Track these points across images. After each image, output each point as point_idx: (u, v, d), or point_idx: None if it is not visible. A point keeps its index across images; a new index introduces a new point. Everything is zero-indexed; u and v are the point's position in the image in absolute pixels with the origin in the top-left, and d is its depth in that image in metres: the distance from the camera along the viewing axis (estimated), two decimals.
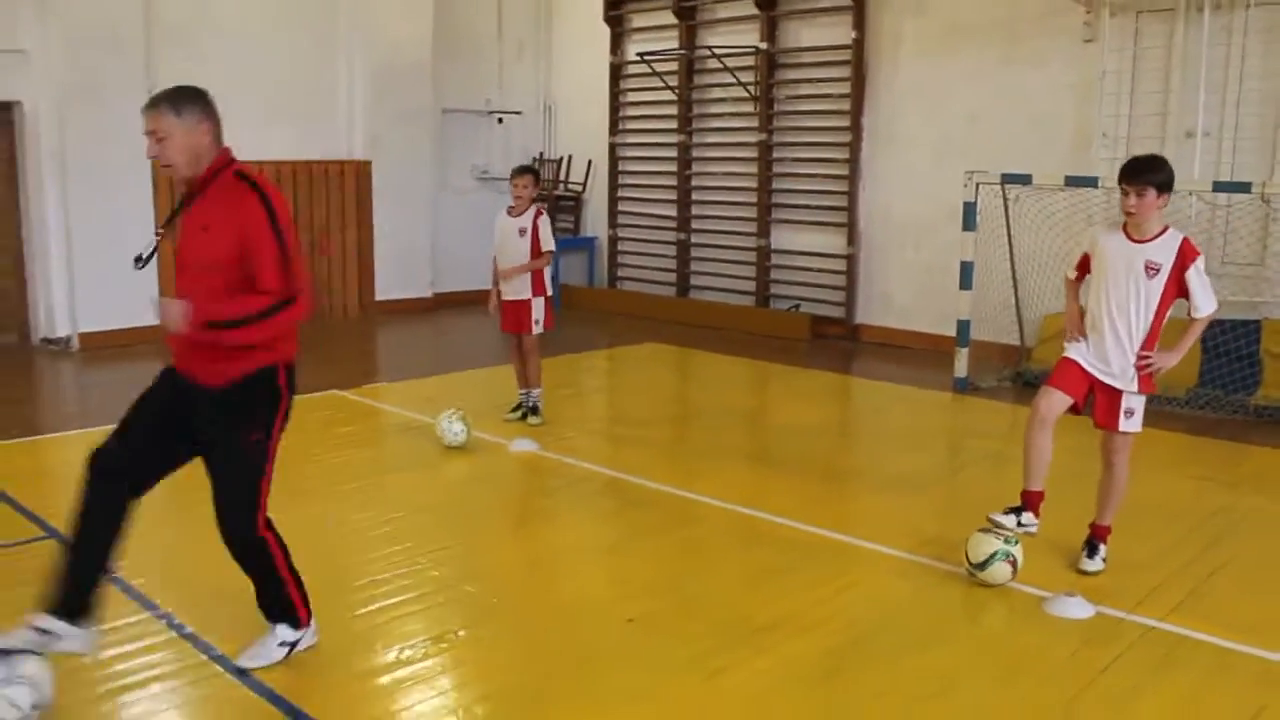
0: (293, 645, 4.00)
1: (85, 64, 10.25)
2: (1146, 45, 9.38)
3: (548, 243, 7.45)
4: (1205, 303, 4.84)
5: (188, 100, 3.68)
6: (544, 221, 7.47)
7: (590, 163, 14.13)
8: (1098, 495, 5.11)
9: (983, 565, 4.79)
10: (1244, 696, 3.91)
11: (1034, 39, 9.98)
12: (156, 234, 4.07)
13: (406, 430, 7.63)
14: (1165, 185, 4.74)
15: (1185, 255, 4.78)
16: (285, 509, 4.18)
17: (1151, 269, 4.77)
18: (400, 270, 13.00)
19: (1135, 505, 5.44)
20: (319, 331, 11.72)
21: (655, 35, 13.08)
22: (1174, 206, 8.74)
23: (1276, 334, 8.60)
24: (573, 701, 3.84)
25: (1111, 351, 4.91)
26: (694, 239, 13.10)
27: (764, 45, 11.97)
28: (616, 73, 13.63)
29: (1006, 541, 4.80)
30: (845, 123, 11.42)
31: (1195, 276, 4.79)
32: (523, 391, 7.76)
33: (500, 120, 14.22)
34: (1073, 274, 5.20)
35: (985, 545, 4.79)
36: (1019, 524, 4.98)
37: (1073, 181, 8.66)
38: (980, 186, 9.04)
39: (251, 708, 3.75)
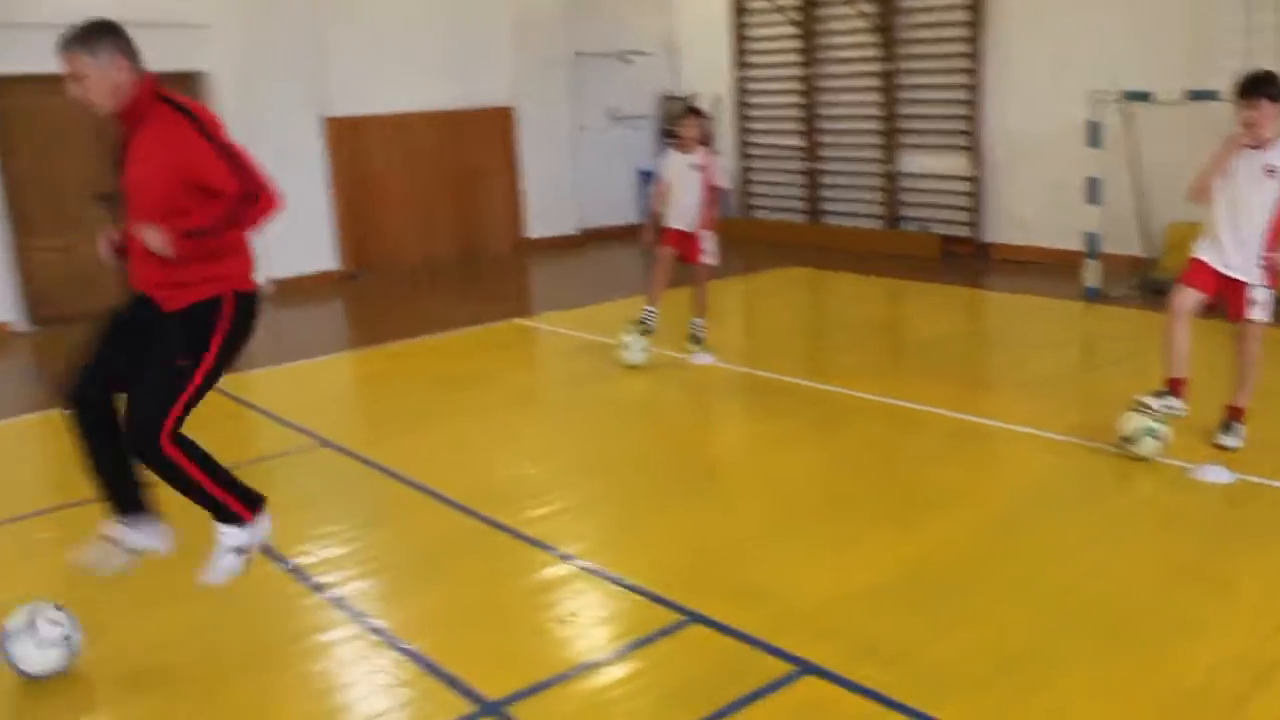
0: (243, 548, 3.93)
1: (262, 36, 11.24)
2: None
3: (719, 178, 8.10)
4: None
5: (98, 37, 3.65)
6: (715, 159, 8.10)
7: (718, 98, 14.79)
8: (1235, 380, 5.75)
9: (1133, 439, 5.49)
10: None
11: None
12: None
13: (587, 350, 8.51)
14: (1278, 96, 5.26)
15: None
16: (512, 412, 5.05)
17: (1270, 171, 5.33)
18: (547, 209, 13.88)
19: (1272, 393, 6.08)
20: (478, 268, 12.73)
21: None
22: None
23: None
24: (791, 544, 4.70)
25: (1234, 250, 5.49)
26: (822, 166, 13.73)
27: None
28: (739, 9, 14.22)
29: (1155, 419, 5.48)
30: (966, 49, 11.91)
31: None
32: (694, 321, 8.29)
33: (629, 61, 14.93)
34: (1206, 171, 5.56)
35: (1135, 421, 5.49)
36: (1166, 406, 5.59)
37: (1196, 96, 9.11)
38: (1103, 104, 9.52)
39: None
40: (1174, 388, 5.63)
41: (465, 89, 13.14)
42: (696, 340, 8.23)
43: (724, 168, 8.20)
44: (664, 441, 6.44)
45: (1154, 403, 5.57)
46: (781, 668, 3.70)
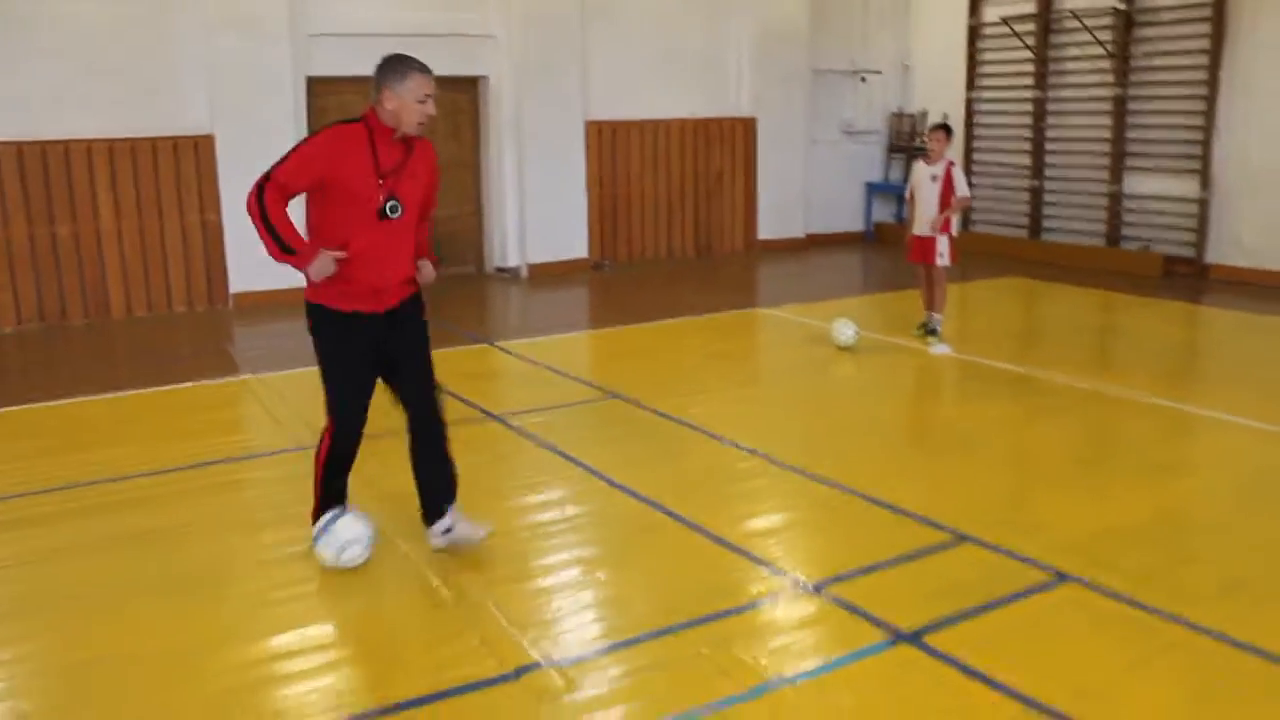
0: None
1: (536, 45, 12.52)
2: None
3: (961, 188, 8.87)
4: None
5: None
6: (956, 171, 8.87)
7: (946, 116, 15.44)
8: None
9: None
10: None
11: None
12: (380, 184, 4.40)
13: (824, 337, 9.38)
14: None
15: None
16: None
17: None
18: (778, 213, 14.83)
19: None
20: (714, 263, 13.77)
21: None
22: None
23: None
24: (1050, 495, 5.51)
25: None
26: (1047, 185, 14.26)
27: (1122, 5, 12.96)
28: (974, 33, 14.88)
29: None
30: (1202, 76, 12.30)
31: None
32: (928, 314, 9.19)
33: (863, 79, 15.76)
34: None
35: None
36: None
37: None
38: None
39: None
40: None
41: (712, 99, 14.21)
42: (933, 332, 9.04)
43: (963, 179, 8.92)
44: (919, 414, 7.35)
45: None
46: (1044, 576, 4.54)
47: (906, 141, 15.78)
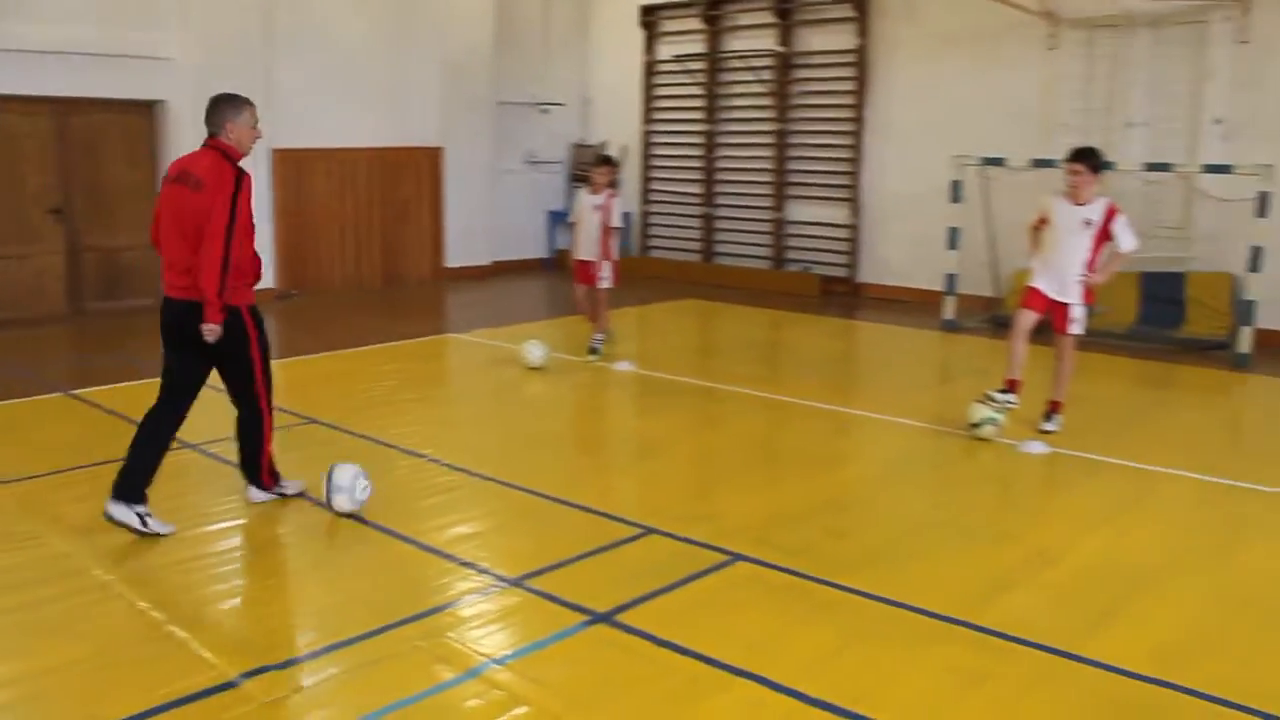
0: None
1: (216, 69, 12.27)
2: (1098, 53, 11.64)
3: (615, 220, 9.54)
4: (1127, 242, 7.06)
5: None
6: (616, 202, 9.54)
7: (625, 147, 16.28)
8: (1053, 380, 7.36)
9: (978, 425, 7.03)
10: (1126, 490, 6.18)
11: (1008, 46, 12.21)
12: None
13: (503, 360, 9.78)
14: (1097, 167, 6.99)
15: (1111, 213, 7.02)
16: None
17: (1086, 222, 7.00)
18: (465, 241, 15.12)
19: (1085, 397, 7.72)
20: (402, 291, 13.89)
21: (684, 38, 15.27)
22: (1116, 182, 11.11)
23: (1197, 283, 10.89)
24: (722, 489, 6.08)
25: (1058, 280, 7.14)
26: (718, 212, 15.31)
27: (780, 48, 14.19)
28: (649, 69, 15.80)
29: (995, 410, 7.02)
30: (850, 114, 13.66)
31: (1119, 226, 7.00)
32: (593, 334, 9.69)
33: (545, 111, 16.35)
34: (1035, 221, 7.43)
35: (979, 411, 7.04)
36: (1005, 401, 7.16)
37: (1039, 163, 10.90)
38: (964, 167, 11.28)
39: None
40: (1011, 386, 7.23)
41: (399, 129, 14.35)
42: (594, 351, 9.56)
43: (621, 210, 9.69)
44: (607, 425, 7.81)
45: (997, 396, 7.13)
46: (721, 557, 5.06)
47: (588, 171, 16.46)
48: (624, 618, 4.42)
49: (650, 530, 5.42)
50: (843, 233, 13.98)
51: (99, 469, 5.78)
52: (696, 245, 15.60)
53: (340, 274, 13.96)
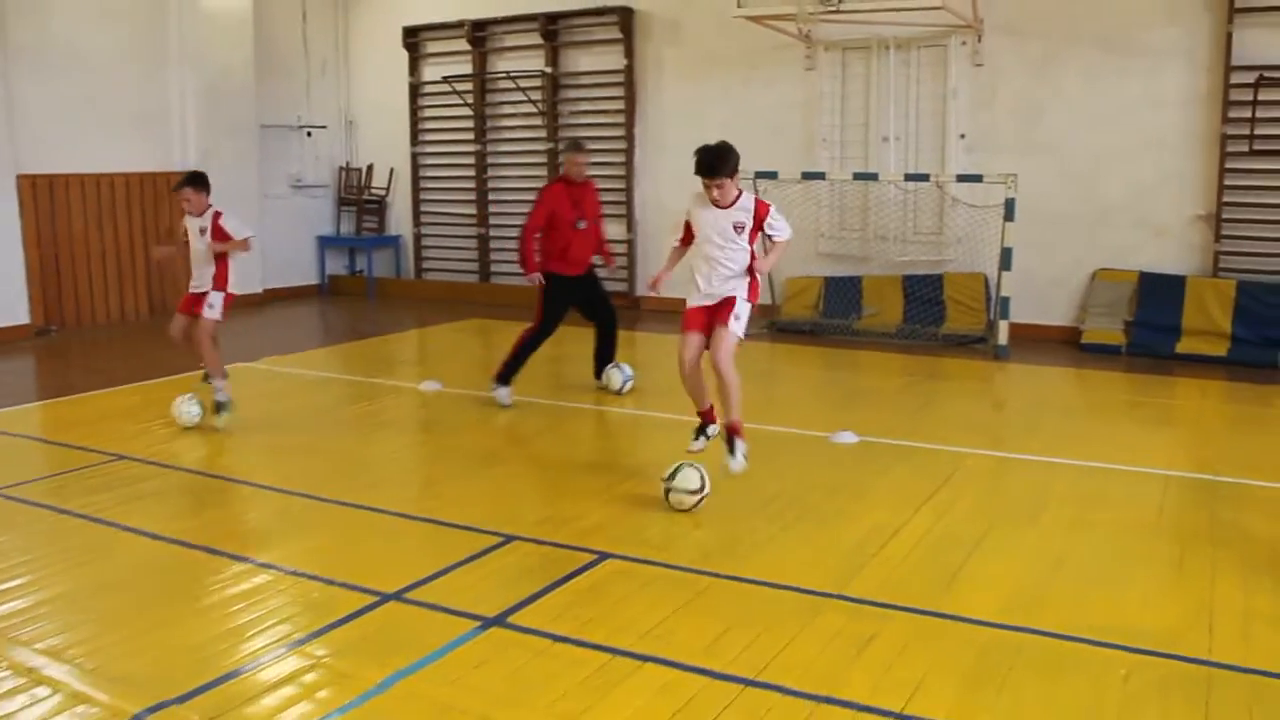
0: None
1: None
2: (851, 73, 12.53)
3: (239, 233, 7.93)
4: (782, 231, 6.17)
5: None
6: (226, 218, 7.87)
7: (392, 170, 16.19)
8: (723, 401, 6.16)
9: (672, 475, 5.95)
10: (935, 469, 6.78)
11: (768, 66, 12.94)
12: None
13: (307, 387, 9.64)
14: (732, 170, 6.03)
15: (760, 211, 6.04)
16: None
17: (738, 227, 6.01)
18: (235, 269, 14.54)
19: (874, 390, 8.32)
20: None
21: (450, 59, 15.33)
22: (877, 191, 12.01)
23: (954, 283, 11.89)
24: (567, 491, 6.26)
25: (716, 282, 6.08)
26: (493, 232, 15.44)
27: (549, 69, 14.49)
28: (415, 91, 15.78)
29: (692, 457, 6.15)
30: (621, 133, 14.10)
31: (771, 221, 6.08)
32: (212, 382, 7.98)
33: (309, 134, 16.05)
34: (676, 241, 6.40)
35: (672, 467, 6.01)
36: (706, 436, 6.26)
37: (807, 175, 11.65)
38: (740, 180, 11.86)
39: None
40: (705, 417, 6.36)
41: (158, 153, 13.79)
42: (221, 408, 7.98)
43: (238, 225, 8.01)
44: (437, 442, 7.85)
45: (696, 445, 6.26)
46: (588, 556, 5.26)
47: (356, 194, 16.30)
48: (515, 619, 4.55)
49: (512, 537, 5.55)
50: (619, 248, 14.37)
51: None
52: (473, 265, 15.67)
53: (103, 307, 13.28)
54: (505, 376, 8.69)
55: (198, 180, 7.97)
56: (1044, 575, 5.05)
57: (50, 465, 7.18)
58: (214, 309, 7.93)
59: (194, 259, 8.00)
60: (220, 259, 7.96)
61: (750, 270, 6.11)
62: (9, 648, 4.37)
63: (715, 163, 5.96)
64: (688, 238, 6.31)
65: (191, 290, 8.05)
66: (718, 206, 6.05)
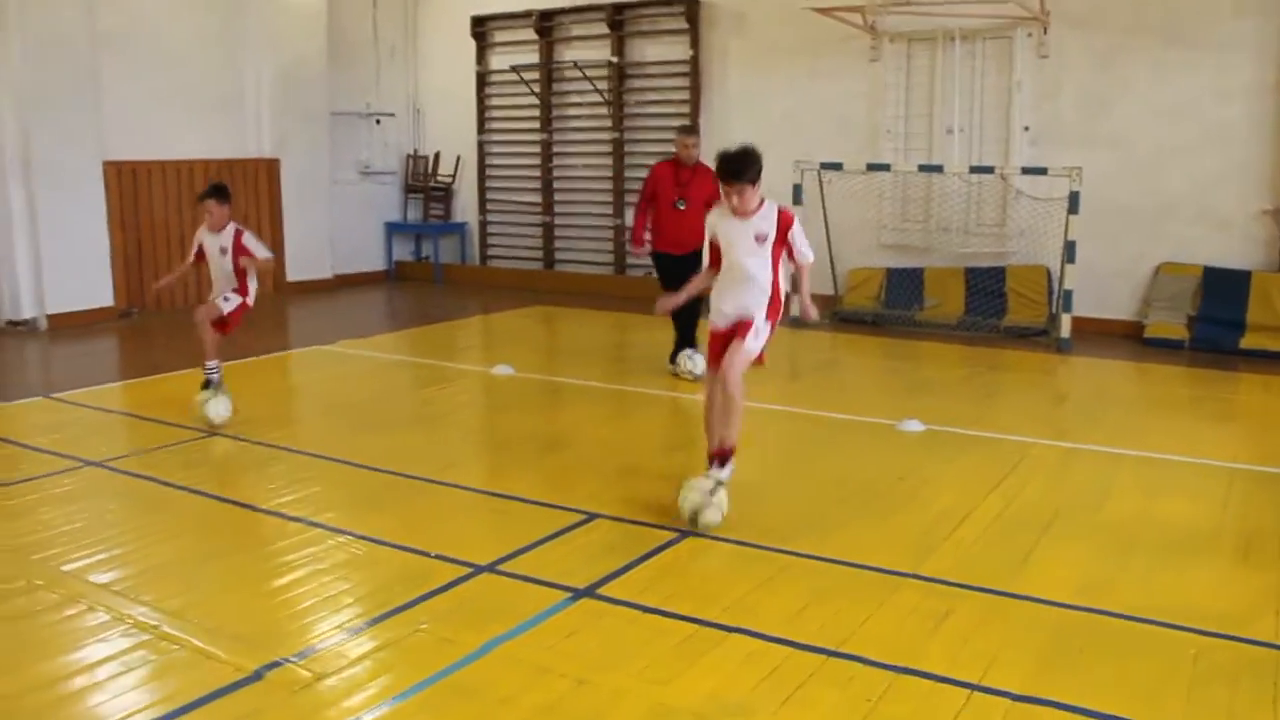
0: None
1: (42, 74, 11.88)
2: (916, 64, 12.62)
3: (258, 251, 7.82)
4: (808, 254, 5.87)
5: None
6: (248, 236, 7.81)
7: (459, 157, 16.48)
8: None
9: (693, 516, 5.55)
10: (1002, 457, 6.93)
11: (833, 58, 13.05)
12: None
13: (395, 368, 9.93)
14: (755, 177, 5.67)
15: (784, 221, 5.69)
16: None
17: (760, 237, 5.66)
18: (306, 255, 15.00)
19: (939, 381, 8.46)
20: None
21: (518, 48, 15.58)
22: (940, 183, 12.11)
23: (1016, 276, 11.97)
24: (633, 479, 6.50)
25: (735, 299, 5.75)
26: (557, 220, 15.70)
27: (615, 59, 14.70)
28: (482, 80, 16.05)
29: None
30: (686, 123, 14.24)
31: (796, 235, 5.72)
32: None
33: (378, 121, 16.39)
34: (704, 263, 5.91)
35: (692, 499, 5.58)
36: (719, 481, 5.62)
37: (872, 167, 11.77)
38: (804, 172, 12.04)
39: None
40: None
41: (234, 140, 14.18)
42: (209, 384, 7.83)
43: (257, 243, 7.90)
44: (515, 424, 8.12)
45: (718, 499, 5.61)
46: (670, 534, 5.49)
47: (422, 182, 16.62)
48: (604, 591, 4.79)
49: (594, 515, 5.79)
50: None
51: None
52: (537, 253, 15.93)
53: (181, 290, 13.63)
54: (673, 355, 9.32)
55: (221, 193, 7.84)
56: (1112, 559, 5.21)
57: (147, 440, 7.51)
58: (229, 302, 7.79)
59: (214, 275, 7.86)
60: (241, 275, 7.82)
61: (773, 286, 5.72)
62: (129, 605, 4.67)
63: (736, 167, 5.62)
64: (715, 260, 5.83)
65: (211, 301, 7.90)
66: (738, 215, 5.67)
